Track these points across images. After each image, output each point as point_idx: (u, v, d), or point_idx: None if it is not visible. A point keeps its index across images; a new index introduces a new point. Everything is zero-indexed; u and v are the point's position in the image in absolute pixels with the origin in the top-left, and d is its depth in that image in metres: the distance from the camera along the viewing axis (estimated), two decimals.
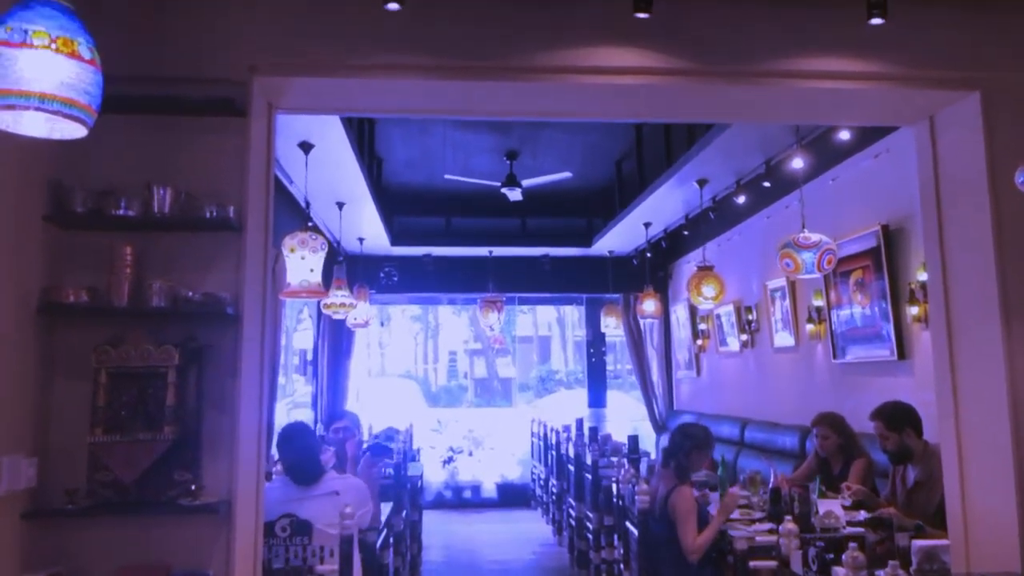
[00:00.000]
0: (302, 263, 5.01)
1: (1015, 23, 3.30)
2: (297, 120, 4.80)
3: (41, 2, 1.81)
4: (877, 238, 5.00)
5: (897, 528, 3.42)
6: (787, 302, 6.45)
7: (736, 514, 4.14)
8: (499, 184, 7.78)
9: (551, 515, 8.52)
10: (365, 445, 5.64)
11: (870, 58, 3.27)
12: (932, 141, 3.51)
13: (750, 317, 7.34)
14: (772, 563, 3.12)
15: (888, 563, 2.67)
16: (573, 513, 6.98)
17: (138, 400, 2.69)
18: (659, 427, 9.90)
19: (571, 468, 7.20)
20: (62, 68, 1.74)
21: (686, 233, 8.15)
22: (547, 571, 7.16)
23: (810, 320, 6.03)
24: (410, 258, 9.72)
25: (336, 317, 7.39)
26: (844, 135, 5.19)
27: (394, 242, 9.00)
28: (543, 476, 9.10)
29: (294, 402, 9.56)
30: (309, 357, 9.46)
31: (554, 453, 8.29)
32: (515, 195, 7.89)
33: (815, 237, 4.45)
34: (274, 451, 5.07)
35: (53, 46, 1.74)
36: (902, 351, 4.86)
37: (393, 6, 2.98)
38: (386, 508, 4.92)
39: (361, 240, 8.72)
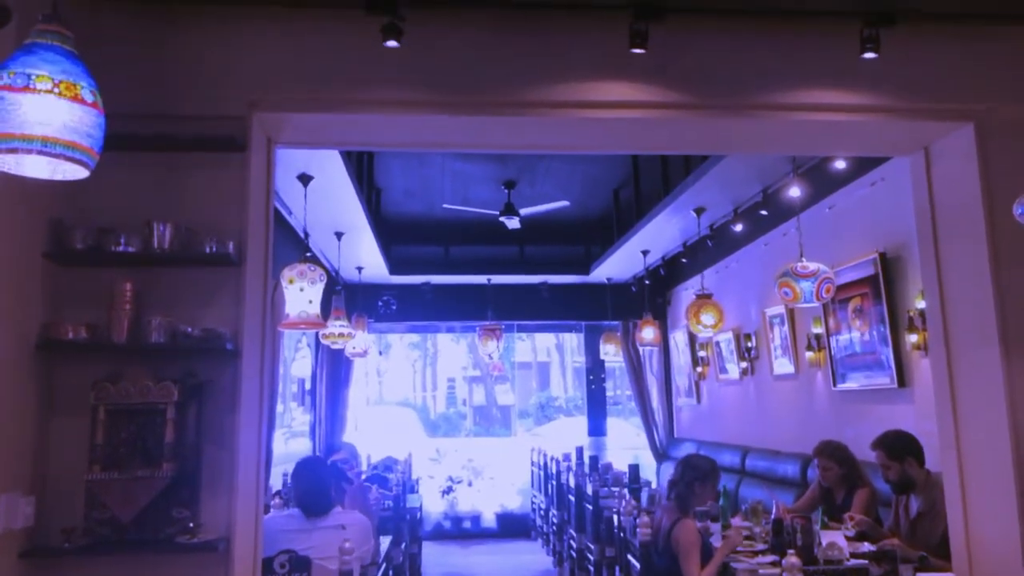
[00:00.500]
0: (301, 294, 5.02)
1: (1008, 55, 3.35)
2: (296, 152, 4.83)
3: (44, 46, 1.84)
4: (875, 266, 5.02)
5: (901, 560, 3.39)
6: (786, 329, 6.45)
7: (739, 546, 4.10)
8: (497, 213, 7.82)
9: (552, 546, 8.43)
10: (364, 476, 5.61)
11: (865, 90, 3.30)
12: (927, 171, 3.54)
13: (749, 344, 7.33)
14: None
15: None
16: (574, 544, 6.91)
17: (137, 437, 2.67)
18: (660, 455, 9.85)
19: (571, 498, 7.15)
20: (65, 112, 1.76)
21: (684, 260, 8.18)
22: None
23: (809, 347, 6.03)
24: (409, 287, 9.73)
25: (335, 347, 7.38)
26: (840, 164, 5.23)
27: (393, 271, 9.02)
28: (543, 506, 9.02)
29: (291, 431, 9.50)
30: (307, 386, 9.42)
31: (554, 483, 8.23)
32: (513, 224, 7.92)
33: (813, 266, 4.46)
34: (273, 483, 5.04)
35: (56, 90, 1.76)
36: (902, 379, 4.85)
37: (391, 44, 3.03)
38: (385, 541, 4.87)
39: (360, 269, 8.73)
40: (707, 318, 6.10)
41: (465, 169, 7.66)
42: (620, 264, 8.88)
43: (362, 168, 6.85)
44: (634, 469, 6.43)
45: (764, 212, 6.14)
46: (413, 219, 9.05)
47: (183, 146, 2.99)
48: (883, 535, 4.01)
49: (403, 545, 5.54)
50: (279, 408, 8.05)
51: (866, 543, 3.96)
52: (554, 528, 8.22)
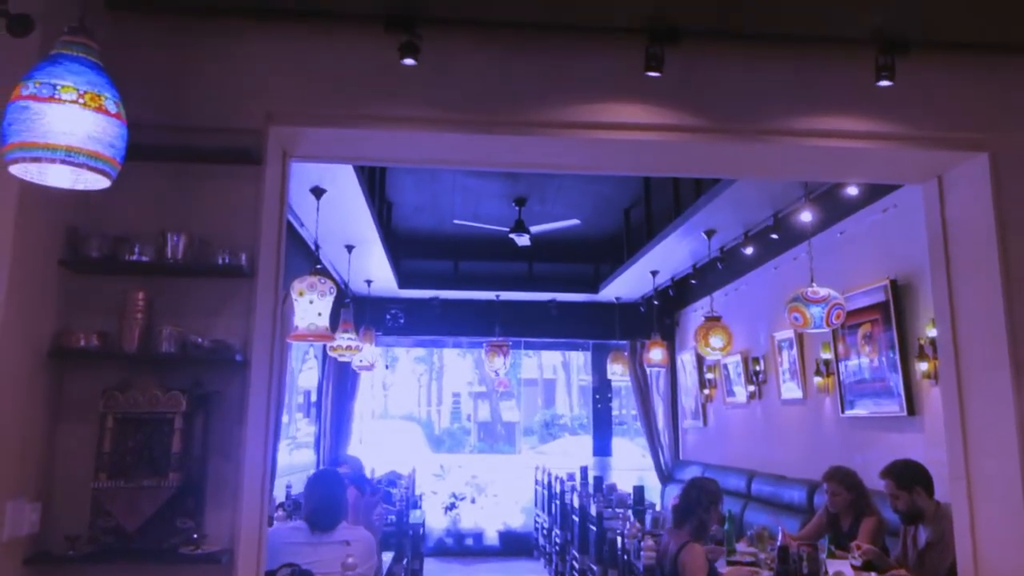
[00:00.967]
0: (310, 307, 5.04)
1: (1023, 85, 3.35)
2: (310, 165, 4.86)
3: (70, 57, 1.86)
4: (886, 292, 5.00)
5: None
6: (795, 353, 6.43)
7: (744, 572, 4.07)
8: (507, 230, 7.83)
9: (554, 566, 8.37)
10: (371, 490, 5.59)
11: (878, 118, 3.31)
12: (940, 200, 3.54)
13: (757, 368, 7.30)
14: None
15: None
16: (576, 565, 6.86)
17: (143, 446, 2.68)
18: (665, 477, 9.79)
19: (575, 519, 7.10)
20: (89, 122, 1.78)
21: (693, 282, 8.17)
22: None
23: (818, 373, 6.00)
24: (417, 301, 9.75)
25: (342, 360, 7.39)
26: (852, 190, 5.22)
27: (402, 285, 9.04)
28: (546, 525, 8.97)
29: (296, 442, 9.49)
30: (313, 398, 9.43)
31: (558, 502, 8.18)
32: (523, 241, 7.94)
33: (823, 292, 4.45)
34: (276, 494, 5.02)
35: (81, 101, 1.78)
36: (912, 407, 4.82)
37: (409, 62, 3.05)
38: (387, 556, 4.85)
39: (369, 282, 8.76)
40: (716, 341, 6.08)
41: (476, 185, 7.69)
42: (629, 284, 8.88)
43: (374, 182, 6.88)
44: (639, 491, 6.40)
45: (775, 236, 6.14)
46: (423, 234, 9.08)
47: (199, 157, 3.01)
48: (890, 565, 3.97)
49: (405, 561, 5.52)
50: (284, 419, 8.05)
51: (873, 573, 3.92)
52: (557, 548, 8.17)
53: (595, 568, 5.98)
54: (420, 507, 7.74)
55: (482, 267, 9.49)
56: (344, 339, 6.69)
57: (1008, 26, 3.21)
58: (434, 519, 9.93)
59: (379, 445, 13.31)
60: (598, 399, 10.90)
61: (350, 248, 7.13)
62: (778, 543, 4.08)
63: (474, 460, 15.00)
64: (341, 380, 9.19)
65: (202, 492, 2.78)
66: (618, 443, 11.48)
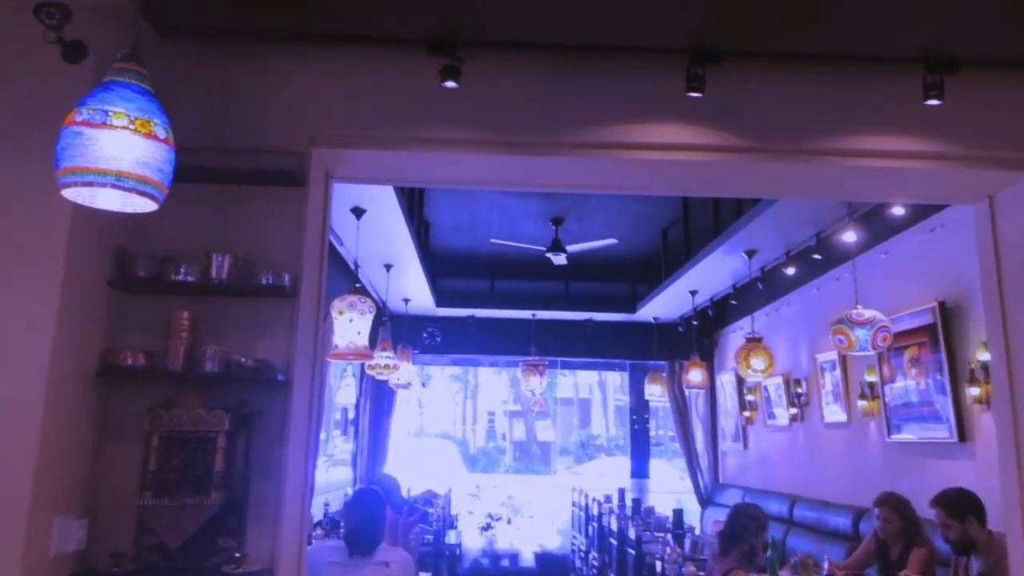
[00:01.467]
0: (350, 325, 5.07)
1: None
2: (350, 185, 4.91)
3: (121, 83, 1.91)
4: (934, 315, 4.87)
5: None
6: (838, 375, 6.29)
7: None
8: (544, 249, 7.83)
9: None
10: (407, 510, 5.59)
11: (927, 137, 3.24)
12: (992, 221, 3.44)
13: (799, 390, 7.16)
14: None
15: None
16: None
17: (187, 464, 2.71)
18: (704, 500, 9.62)
19: (613, 542, 7.01)
20: (139, 147, 1.82)
21: (733, 302, 8.06)
22: None
23: (862, 396, 5.86)
24: (454, 319, 9.77)
25: (380, 378, 7.42)
26: (898, 209, 5.12)
27: (439, 303, 9.07)
28: (584, 548, 8.87)
29: (333, 460, 9.54)
30: (351, 415, 9.48)
31: (595, 525, 8.09)
32: (560, 260, 7.92)
33: (869, 313, 4.35)
34: (314, 512, 5.04)
35: (131, 127, 1.83)
36: (962, 433, 4.68)
37: (450, 84, 3.08)
38: None
39: (407, 301, 8.81)
40: (757, 362, 5.98)
41: (513, 205, 7.71)
42: (667, 303, 8.79)
43: (412, 202, 6.94)
44: (678, 514, 6.30)
45: (817, 256, 6.03)
46: (460, 253, 9.12)
47: (244, 179, 3.06)
48: None
49: None
50: (322, 436, 8.10)
51: None
52: (594, 572, 8.07)
53: None
54: (456, 527, 7.71)
55: (518, 286, 9.48)
56: (382, 358, 6.73)
57: None
58: (470, 539, 9.88)
59: (415, 463, 13.32)
60: (635, 420, 10.78)
61: (388, 267, 7.19)
62: (824, 572, 3.97)
63: (509, 480, 14.92)
64: (378, 398, 9.23)
65: (244, 511, 2.80)
66: (655, 464, 11.33)
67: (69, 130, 1.81)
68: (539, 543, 10.23)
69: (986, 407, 4.36)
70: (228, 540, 2.73)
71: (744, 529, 3.85)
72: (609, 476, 11.23)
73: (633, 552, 6.02)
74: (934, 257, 5.04)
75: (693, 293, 8.18)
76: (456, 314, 9.63)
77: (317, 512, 5.97)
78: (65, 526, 2.56)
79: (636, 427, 10.78)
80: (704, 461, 9.74)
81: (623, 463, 10.97)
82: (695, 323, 8.84)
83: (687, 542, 5.41)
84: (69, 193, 1.89)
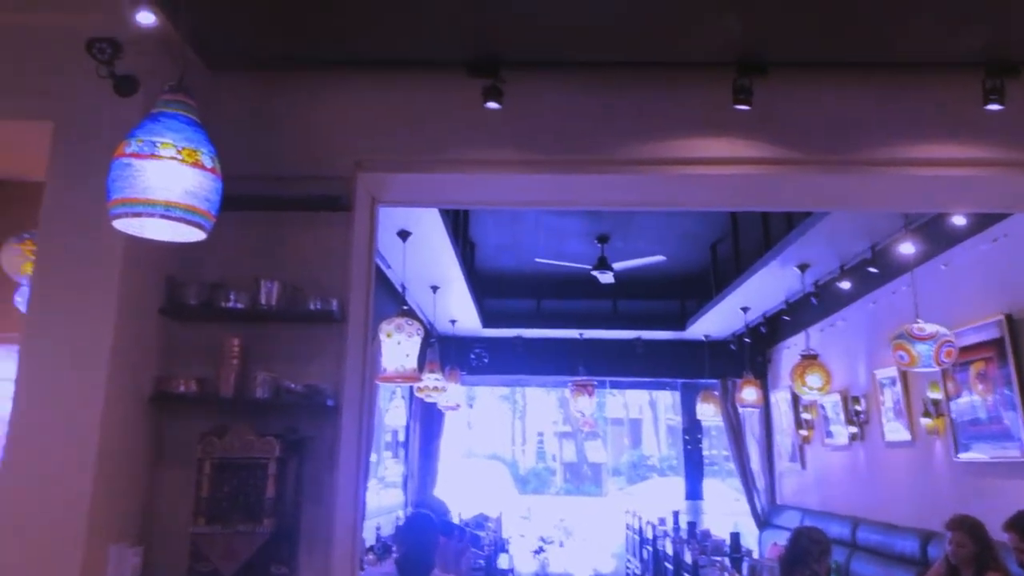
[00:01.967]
0: (398, 348, 5.08)
1: None
2: (396, 208, 4.94)
3: (168, 115, 1.94)
4: (1000, 328, 4.66)
5: None
6: (899, 390, 6.06)
7: None
8: (590, 267, 7.77)
9: None
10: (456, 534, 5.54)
11: (989, 143, 3.12)
12: None
13: (858, 408, 6.93)
14: None
15: None
16: None
17: (239, 491, 2.71)
18: (761, 523, 9.36)
19: (669, 566, 6.86)
20: (186, 177, 1.84)
21: (786, 318, 7.87)
22: None
23: (926, 413, 5.63)
24: (501, 340, 9.75)
25: (428, 400, 7.43)
26: (958, 219, 4.93)
27: (485, 324, 9.06)
28: (638, 572, 8.70)
29: (384, 482, 9.56)
30: (401, 437, 9.49)
31: (650, 548, 7.93)
32: (606, 278, 7.85)
33: (931, 328, 4.19)
34: (365, 536, 5.02)
35: (179, 157, 1.85)
36: None
37: (492, 105, 3.07)
38: None
39: (453, 322, 8.82)
40: (813, 379, 5.81)
41: (558, 224, 7.68)
42: (718, 320, 8.64)
43: (458, 223, 6.96)
44: (735, 537, 6.13)
45: (873, 269, 5.85)
46: (506, 273, 9.11)
47: (291, 206, 3.09)
48: None
49: None
50: (372, 458, 8.12)
51: None
52: None
53: None
54: (508, 551, 7.63)
55: (565, 305, 9.43)
56: (430, 380, 6.73)
57: None
58: (522, 563, 9.77)
59: (465, 485, 13.28)
60: (688, 440, 10.58)
61: (435, 288, 7.21)
62: None
63: (561, 502, 14.76)
64: (427, 420, 9.23)
65: (295, 537, 2.79)
66: (709, 485, 11.07)
67: (119, 162, 1.84)
68: (593, 567, 10.07)
69: None
70: (281, 567, 2.72)
71: (806, 553, 3.71)
72: (662, 497, 10.99)
73: None
74: (998, 268, 4.84)
75: (745, 309, 8.02)
76: (503, 335, 9.61)
77: (369, 536, 5.96)
78: (121, 554, 2.58)
79: (689, 447, 10.57)
80: (760, 482, 9.49)
81: (676, 484, 10.76)
82: (747, 340, 8.67)
83: (745, 566, 5.25)
84: (120, 224, 1.92)
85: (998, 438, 4.78)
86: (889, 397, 6.28)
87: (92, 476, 2.46)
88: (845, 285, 6.45)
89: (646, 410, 20.59)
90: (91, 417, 2.50)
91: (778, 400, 9.14)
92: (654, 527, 7.89)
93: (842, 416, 7.23)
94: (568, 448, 20.06)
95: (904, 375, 5.98)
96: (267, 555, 2.71)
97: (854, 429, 7.02)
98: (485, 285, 8.94)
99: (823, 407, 7.64)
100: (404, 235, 5.56)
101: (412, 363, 5.09)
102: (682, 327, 9.22)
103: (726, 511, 10.40)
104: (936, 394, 5.48)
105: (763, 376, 9.37)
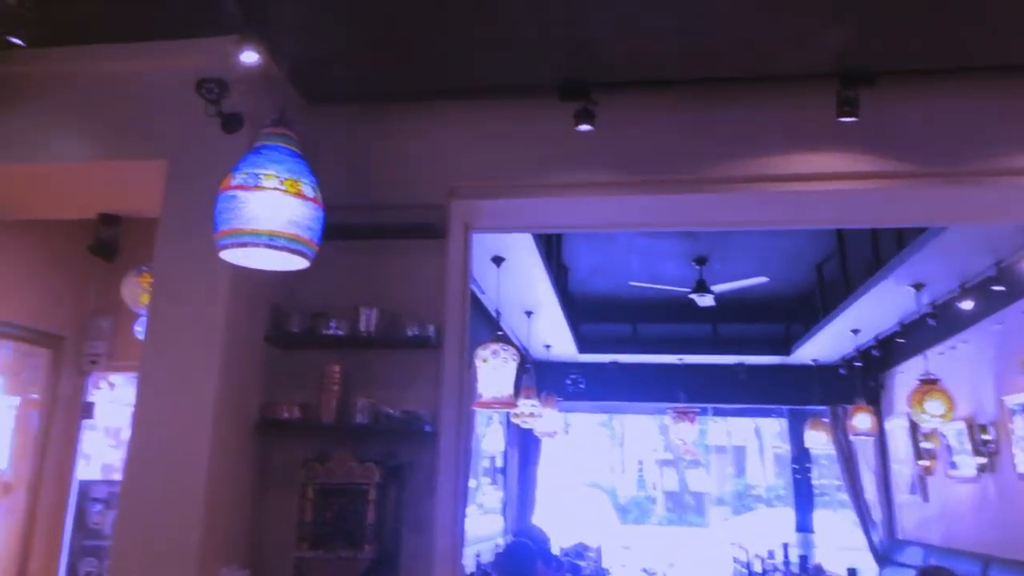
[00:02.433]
0: (494, 374, 5.07)
1: None
2: (490, 235, 4.98)
3: (271, 147, 2.00)
4: None
5: None
6: None
7: None
8: (688, 290, 7.58)
9: None
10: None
11: None
12: None
13: (986, 436, 6.43)
14: None
15: None
16: None
17: (340, 517, 2.74)
18: (880, 558, 8.80)
19: None
20: (288, 207, 1.89)
21: (901, 341, 7.43)
22: None
23: None
24: (596, 365, 9.63)
25: (524, 426, 7.39)
26: None
27: (581, 349, 8.97)
28: None
29: (483, 509, 9.55)
30: (499, 463, 9.48)
31: None
32: (705, 301, 7.63)
33: None
34: (467, 563, 5.00)
35: (281, 188, 1.90)
36: None
37: (585, 128, 3.04)
38: None
39: (548, 347, 8.78)
40: (934, 406, 5.43)
41: (653, 246, 7.54)
42: (826, 344, 8.24)
43: (550, 247, 6.95)
44: (852, 574, 5.76)
45: (999, 287, 5.45)
46: (600, 297, 9.01)
47: (387, 234, 3.15)
48: None
49: None
50: (471, 483, 8.13)
51: None
52: None
53: None
54: None
55: (662, 330, 9.22)
56: (526, 406, 6.70)
57: None
58: None
59: (564, 513, 13.12)
60: (797, 469, 10.09)
61: (529, 314, 7.20)
62: None
63: (662, 532, 14.37)
64: (524, 446, 9.19)
65: (396, 564, 2.80)
66: (820, 516, 10.51)
67: (225, 195, 1.91)
68: None
69: None
70: None
71: None
72: (769, 529, 10.51)
73: None
74: None
75: (855, 332, 7.63)
76: (599, 360, 9.49)
77: (469, 563, 5.95)
78: None
79: (798, 477, 10.07)
80: (877, 514, 8.94)
81: (784, 515, 10.26)
82: (858, 364, 8.23)
83: None
84: (227, 255, 1.99)
85: None
86: (1020, 425, 5.80)
87: (203, 499, 2.54)
88: (967, 305, 6.04)
89: (751, 438, 19.86)
90: (201, 442, 2.59)
91: (894, 428, 8.61)
92: (763, 560, 7.54)
93: (968, 445, 6.73)
94: (669, 476, 19.54)
95: None
96: None
97: (982, 460, 6.52)
98: (579, 309, 8.87)
99: (945, 436, 7.14)
100: (498, 261, 5.58)
101: (508, 389, 5.07)
102: (787, 351, 8.85)
103: (839, 545, 9.83)
104: None
105: (876, 402, 8.86)
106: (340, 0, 2.70)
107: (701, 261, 7.64)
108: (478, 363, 5.09)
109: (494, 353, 5.10)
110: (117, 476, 4.31)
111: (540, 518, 9.14)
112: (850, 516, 9.42)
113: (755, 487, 18.78)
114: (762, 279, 7.37)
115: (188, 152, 2.85)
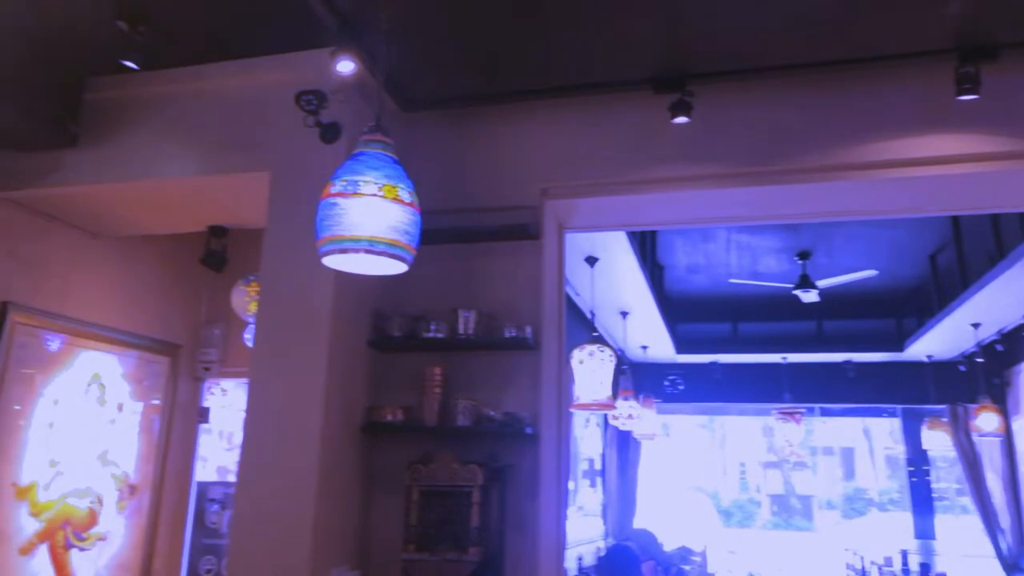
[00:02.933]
0: (591, 376, 5.03)
1: None
2: (583, 235, 4.93)
3: (369, 154, 2.02)
4: None
5: None
6: None
7: None
8: (791, 286, 7.30)
9: None
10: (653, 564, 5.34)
11: None
12: None
13: None
14: None
15: None
16: None
17: (445, 519, 2.75)
18: (1009, 567, 8.21)
19: None
20: (387, 213, 1.91)
21: None
22: None
23: None
24: (696, 366, 9.41)
25: (623, 428, 7.29)
26: None
27: (679, 350, 8.79)
28: None
29: (582, 511, 9.48)
30: (597, 466, 9.40)
31: None
32: (809, 297, 7.33)
33: None
34: (568, 566, 4.97)
35: (379, 193, 1.92)
36: None
37: (681, 120, 2.96)
38: None
39: (645, 348, 8.64)
40: None
41: (753, 241, 7.30)
42: (943, 339, 7.77)
43: (645, 246, 6.83)
44: None
45: None
46: (698, 296, 8.80)
47: (481, 237, 3.16)
48: None
49: None
50: (570, 485, 8.09)
51: None
52: None
53: None
54: None
55: (764, 328, 8.92)
56: (625, 408, 6.60)
57: None
58: None
59: (665, 516, 12.88)
60: (913, 472, 9.55)
61: (624, 314, 7.10)
62: None
63: (768, 536, 13.91)
64: (623, 448, 9.08)
65: (501, 567, 2.79)
66: (940, 521, 9.91)
67: (326, 202, 1.95)
68: None
69: None
70: None
71: None
72: (883, 534, 10.00)
73: None
74: None
75: (975, 326, 7.15)
76: (698, 360, 9.27)
77: (570, 566, 5.91)
78: None
79: (915, 480, 9.53)
80: (1005, 520, 8.35)
81: (899, 519, 9.73)
82: (980, 360, 7.71)
83: None
84: (329, 261, 2.03)
85: None
86: None
87: (314, 501, 2.60)
88: None
89: (860, 438, 18.98)
90: (311, 444, 2.65)
91: (1022, 428, 8.03)
92: (880, 568, 7.17)
93: None
94: (773, 479, 18.91)
95: None
96: None
97: None
98: (676, 309, 8.69)
99: None
100: (592, 261, 5.53)
101: (606, 390, 5.02)
102: (900, 348, 8.39)
103: (963, 552, 9.24)
104: None
105: (1001, 400, 8.29)
106: (431, 7, 2.73)
107: (804, 255, 7.35)
108: (574, 365, 5.05)
109: (591, 354, 5.05)
110: (231, 478, 4.50)
111: (642, 521, 8.99)
112: (974, 522, 8.84)
113: (866, 490, 17.94)
114: (871, 272, 7.02)
115: (289, 163, 2.93)
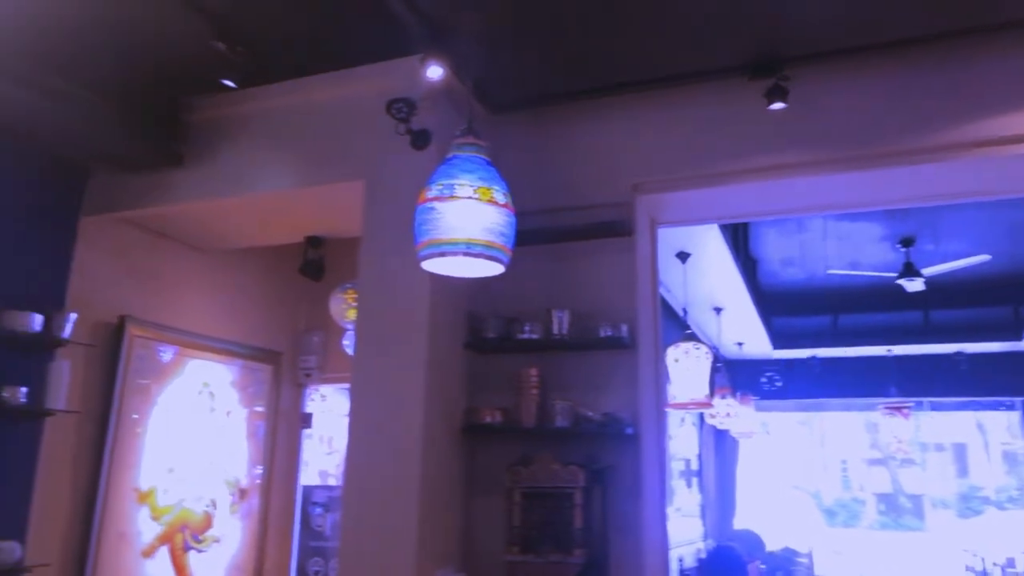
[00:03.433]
0: (687, 374, 4.93)
1: None
2: (673, 230, 4.83)
3: (462, 157, 2.04)
4: None
5: None
6: None
7: None
8: (894, 275, 6.96)
9: None
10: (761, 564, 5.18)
11: None
12: None
13: None
14: None
15: None
16: None
17: (547, 521, 2.74)
18: None
19: None
20: (483, 215, 1.91)
21: None
22: None
23: None
24: (794, 361, 9.09)
25: (720, 427, 7.12)
26: None
27: (776, 345, 8.51)
28: None
29: (680, 511, 9.30)
30: (693, 466, 9.21)
31: None
32: (915, 286, 6.96)
33: None
34: (671, 567, 4.88)
35: (475, 196, 1.93)
36: None
37: (778, 106, 2.86)
38: None
39: (740, 344, 8.41)
40: None
41: (851, 229, 7.00)
42: None
43: (737, 239, 6.64)
44: None
45: None
46: (794, 289, 8.49)
47: (573, 235, 3.14)
48: None
49: None
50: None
51: None
52: None
53: None
54: None
55: (866, 319, 8.53)
56: (722, 406, 6.45)
57: None
58: None
59: (767, 517, 12.50)
60: None
61: (718, 310, 6.93)
62: None
63: (875, 537, 13.32)
64: (720, 447, 8.87)
65: (605, 568, 2.75)
66: None
67: (423, 207, 1.97)
68: None
69: None
70: None
71: None
72: (1003, 534, 9.41)
73: None
74: None
75: None
76: (796, 356, 8.96)
77: (671, 568, 5.80)
78: None
79: None
80: None
81: (1020, 518, 9.16)
82: None
83: None
84: (428, 265, 2.05)
85: None
86: None
87: (418, 502, 2.63)
88: None
89: (973, 433, 17.94)
90: (413, 447, 2.69)
91: None
92: (1003, 569, 6.75)
93: None
94: (879, 477, 18.09)
95: None
96: None
97: None
98: (772, 303, 8.41)
99: None
100: (683, 256, 5.42)
101: (703, 389, 4.91)
102: (1018, 337, 7.89)
103: None
104: None
105: None
106: (511, 9, 2.72)
107: (908, 243, 6.99)
108: (669, 363, 4.96)
109: (686, 352, 4.96)
110: (333, 481, 4.63)
111: (742, 522, 8.75)
112: None
113: (981, 488, 16.94)
114: (984, 257, 6.62)
115: (382, 171, 2.98)
